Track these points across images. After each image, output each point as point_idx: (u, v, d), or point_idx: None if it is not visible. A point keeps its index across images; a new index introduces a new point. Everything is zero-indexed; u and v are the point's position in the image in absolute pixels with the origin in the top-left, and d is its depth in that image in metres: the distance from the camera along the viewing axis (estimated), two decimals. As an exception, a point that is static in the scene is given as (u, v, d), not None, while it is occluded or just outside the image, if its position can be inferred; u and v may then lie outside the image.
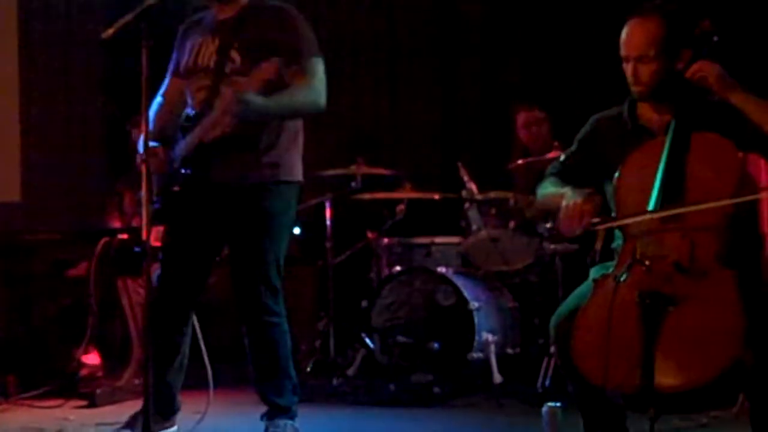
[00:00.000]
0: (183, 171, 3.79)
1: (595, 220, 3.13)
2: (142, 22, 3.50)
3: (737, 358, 2.84)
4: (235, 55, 3.78)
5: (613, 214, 3.26)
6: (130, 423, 3.96)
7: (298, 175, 3.96)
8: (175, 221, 3.91)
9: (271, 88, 3.67)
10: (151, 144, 3.67)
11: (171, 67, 4.05)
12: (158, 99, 4.04)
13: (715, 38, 3.24)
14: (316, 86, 3.78)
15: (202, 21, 3.99)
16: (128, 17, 3.55)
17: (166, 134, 3.90)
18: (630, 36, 3.24)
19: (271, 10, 3.86)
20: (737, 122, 3.13)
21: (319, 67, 3.81)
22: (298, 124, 3.95)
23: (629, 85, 3.28)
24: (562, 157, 3.54)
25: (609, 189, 3.32)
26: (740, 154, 3.20)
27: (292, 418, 3.94)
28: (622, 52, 3.26)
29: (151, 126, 3.63)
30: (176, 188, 3.81)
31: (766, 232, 4.76)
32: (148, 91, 3.53)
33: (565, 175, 3.47)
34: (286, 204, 3.91)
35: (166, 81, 4.06)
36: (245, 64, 3.75)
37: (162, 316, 3.83)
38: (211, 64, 3.83)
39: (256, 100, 3.63)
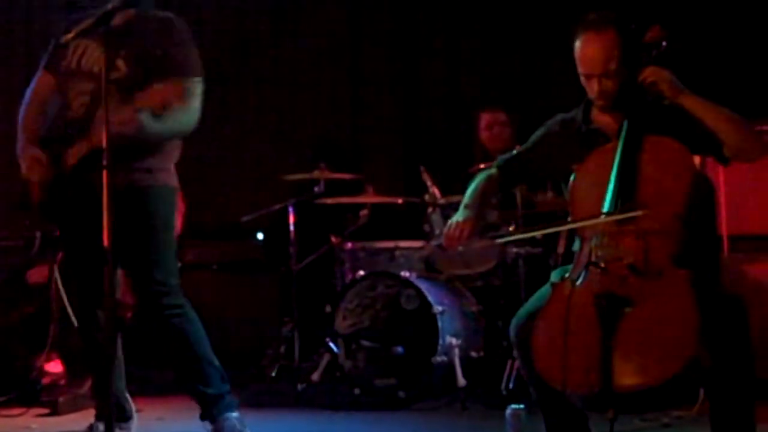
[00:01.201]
0: (71, 177, 3.77)
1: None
2: (102, 27, 3.48)
3: (693, 358, 2.87)
4: (120, 63, 3.75)
5: (569, 218, 3.31)
6: None
7: (173, 181, 3.98)
8: (66, 226, 3.91)
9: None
10: (33, 150, 3.72)
11: (45, 61, 4.00)
12: (28, 96, 4.00)
13: (665, 43, 3.28)
14: (194, 109, 3.80)
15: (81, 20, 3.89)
16: (88, 22, 3.54)
17: (40, 135, 3.90)
18: (588, 53, 3.26)
19: (161, 22, 3.85)
20: (689, 126, 3.17)
21: (198, 88, 3.82)
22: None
23: (593, 99, 3.32)
24: (514, 152, 3.61)
25: (565, 190, 3.37)
26: (697, 158, 3.25)
27: (231, 408, 3.91)
28: (583, 69, 3.29)
29: (22, 126, 3.66)
30: (66, 194, 3.79)
31: (725, 234, 4.84)
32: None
33: (511, 168, 3.55)
34: (163, 205, 3.92)
35: (39, 75, 4.01)
36: (130, 74, 3.74)
37: (82, 319, 3.84)
38: (95, 69, 3.78)
39: (150, 124, 3.68)
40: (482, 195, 3.49)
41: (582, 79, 3.32)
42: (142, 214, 3.86)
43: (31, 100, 3.98)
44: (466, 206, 3.41)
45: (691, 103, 3.18)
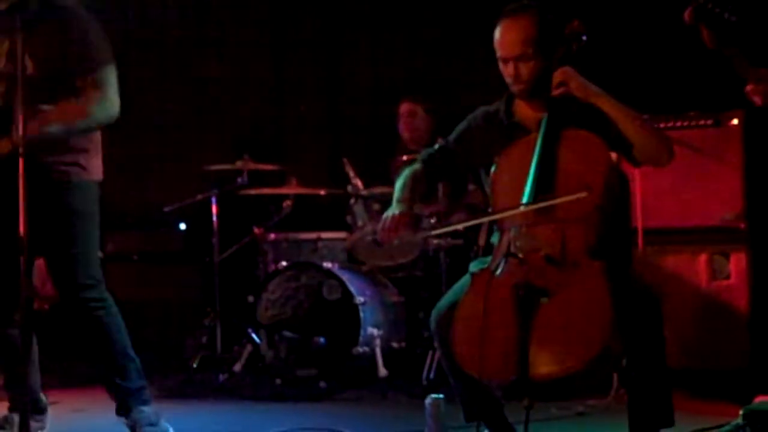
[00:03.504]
0: None
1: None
2: (16, 14, 3.44)
3: (606, 346, 2.93)
4: (27, 62, 3.67)
5: (489, 209, 3.36)
6: (1, 425, 3.90)
7: (98, 174, 3.96)
8: None
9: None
10: None
11: None
12: None
13: (584, 38, 3.35)
14: (110, 98, 3.78)
15: None
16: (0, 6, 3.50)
17: None
18: (506, 36, 3.33)
19: (62, 14, 3.78)
20: (605, 125, 3.24)
21: (111, 76, 3.80)
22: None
23: (509, 84, 3.38)
24: (437, 146, 3.65)
25: (486, 181, 3.42)
26: (614, 154, 3.32)
27: (146, 402, 3.92)
28: (500, 53, 3.35)
29: None
30: None
31: (639, 227, 4.95)
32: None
33: (435, 162, 3.58)
34: (87, 200, 3.90)
35: None
36: (37, 71, 3.68)
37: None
38: (2, 66, 3.76)
39: (55, 130, 3.68)
40: (411, 189, 3.51)
41: (500, 66, 3.37)
42: (66, 208, 3.83)
43: None
44: (398, 201, 3.44)
45: (602, 103, 3.25)
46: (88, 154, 3.90)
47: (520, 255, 3.10)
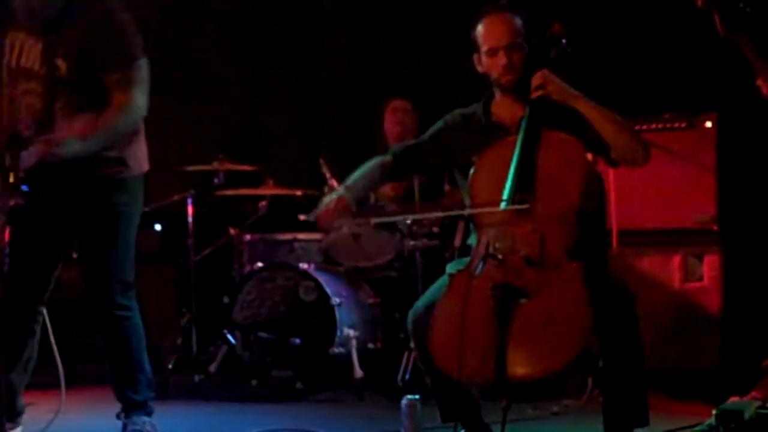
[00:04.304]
0: (24, 187, 3.65)
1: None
2: (38, 20, 3.42)
3: (585, 348, 2.95)
4: (60, 62, 3.66)
5: (467, 210, 3.38)
6: None
7: (143, 167, 3.93)
8: (22, 218, 3.79)
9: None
10: None
11: None
12: None
13: (564, 41, 3.38)
14: (137, 101, 3.73)
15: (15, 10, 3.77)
16: (21, 14, 3.48)
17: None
18: (495, 27, 3.37)
19: (96, 11, 3.70)
20: (582, 126, 3.27)
21: (140, 72, 3.75)
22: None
23: (498, 76, 3.38)
24: (412, 142, 3.69)
25: (462, 182, 3.44)
26: (590, 154, 3.35)
27: (149, 414, 3.93)
28: (490, 44, 3.37)
29: None
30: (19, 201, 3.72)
31: (614, 228, 4.99)
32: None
33: (407, 157, 3.60)
34: (132, 198, 3.89)
35: None
36: (71, 72, 3.66)
37: (10, 314, 3.75)
38: (36, 67, 3.71)
39: (75, 148, 3.60)
40: (368, 178, 3.55)
41: (486, 60, 3.39)
42: (109, 207, 3.80)
43: None
44: (346, 186, 3.50)
45: (581, 106, 3.28)
46: (132, 147, 3.84)
47: (500, 256, 3.11)
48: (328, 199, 3.44)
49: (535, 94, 3.29)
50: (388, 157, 3.61)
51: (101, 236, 3.82)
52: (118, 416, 3.94)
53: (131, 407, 3.90)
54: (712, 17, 3.48)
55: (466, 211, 3.28)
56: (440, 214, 3.43)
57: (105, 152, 3.75)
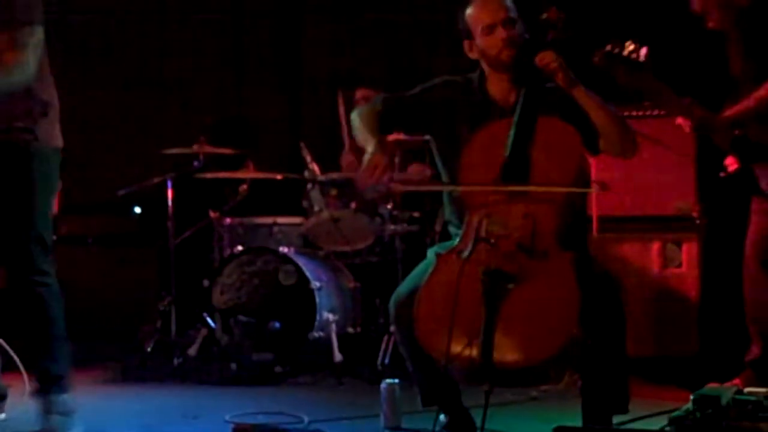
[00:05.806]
0: None
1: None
2: None
3: (572, 337, 2.97)
4: None
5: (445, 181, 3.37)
6: None
7: (56, 142, 3.84)
8: None
9: None
10: None
11: None
12: None
13: (560, 26, 3.35)
14: (28, 62, 3.63)
15: None
16: None
17: None
18: (489, 4, 3.34)
19: None
20: (574, 112, 3.26)
21: (33, 38, 3.64)
22: (52, 92, 3.82)
23: (496, 53, 3.34)
24: (397, 96, 3.59)
25: (440, 150, 3.43)
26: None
27: (67, 389, 3.76)
28: (487, 21, 3.33)
29: None
30: None
31: (594, 214, 5.01)
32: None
33: (394, 107, 3.54)
34: (47, 169, 3.79)
35: None
36: None
37: None
38: None
39: None
40: (381, 123, 3.48)
41: (482, 40, 3.34)
42: (21, 172, 3.73)
43: None
44: (379, 141, 3.38)
45: (581, 95, 3.26)
46: (41, 121, 3.75)
47: (492, 240, 3.07)
48: (373, 159, 3.33)
49: (550, 67, 3.22)
50: (378, 106, 3.54)
51: (18, 203, 3.72)
52: (33, 396, 3.76)
53: (46, 381, 3.74)
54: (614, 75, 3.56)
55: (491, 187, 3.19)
56: (458, 187, 3.31)
57: (13, 122, 3.69)
